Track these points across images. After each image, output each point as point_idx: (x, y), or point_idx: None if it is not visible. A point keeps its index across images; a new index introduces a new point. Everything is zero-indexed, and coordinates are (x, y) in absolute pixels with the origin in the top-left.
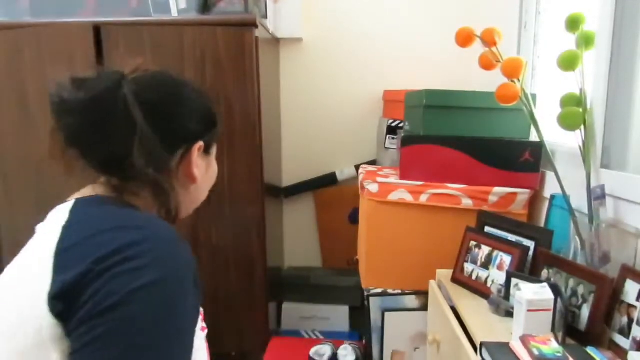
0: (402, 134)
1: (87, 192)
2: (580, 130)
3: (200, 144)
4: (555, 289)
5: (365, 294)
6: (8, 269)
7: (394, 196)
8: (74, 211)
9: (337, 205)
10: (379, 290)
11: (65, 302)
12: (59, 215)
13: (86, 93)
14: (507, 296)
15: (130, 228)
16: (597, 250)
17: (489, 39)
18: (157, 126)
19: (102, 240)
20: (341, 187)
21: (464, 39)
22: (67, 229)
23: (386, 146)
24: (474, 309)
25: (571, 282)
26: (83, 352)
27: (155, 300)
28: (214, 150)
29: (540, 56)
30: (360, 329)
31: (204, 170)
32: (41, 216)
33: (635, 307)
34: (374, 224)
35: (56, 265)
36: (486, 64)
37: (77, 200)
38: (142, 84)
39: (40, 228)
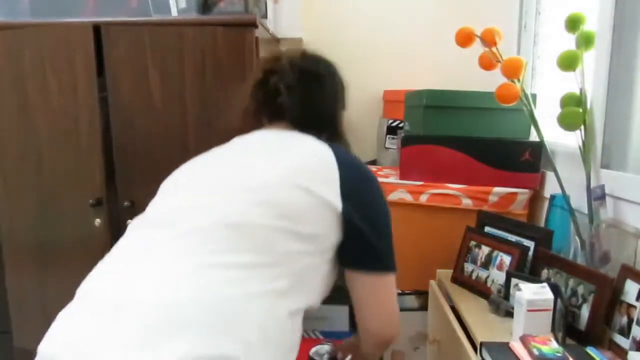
0: (402, 134)
1: (284, 127)
2: (580, 130)
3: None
4: (555, 289)
5: None
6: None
7: (394, 196)
8: (321, 141)
9: None
10: None
11: (347, 198)
12: (305, 138)
13: (304, 75)
14: (507, 296)
15: (359, 162)
16: (597, 250)
17: (489, 39)
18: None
19: (355, 164)
20: None
21: (464, 39)
22: (336, 153)
23: (386, 146)
24: (474, 309)
25: (571, 282)
26: (363, 236)
27: (387, 210)
28: None
29: (540, 56)
30: None
31: None
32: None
33: (635, 307)
34: None
35: (341, 172)
36: (486, 64)
37: (304, 134)
38: (326, 64)
39: (268, 139)
